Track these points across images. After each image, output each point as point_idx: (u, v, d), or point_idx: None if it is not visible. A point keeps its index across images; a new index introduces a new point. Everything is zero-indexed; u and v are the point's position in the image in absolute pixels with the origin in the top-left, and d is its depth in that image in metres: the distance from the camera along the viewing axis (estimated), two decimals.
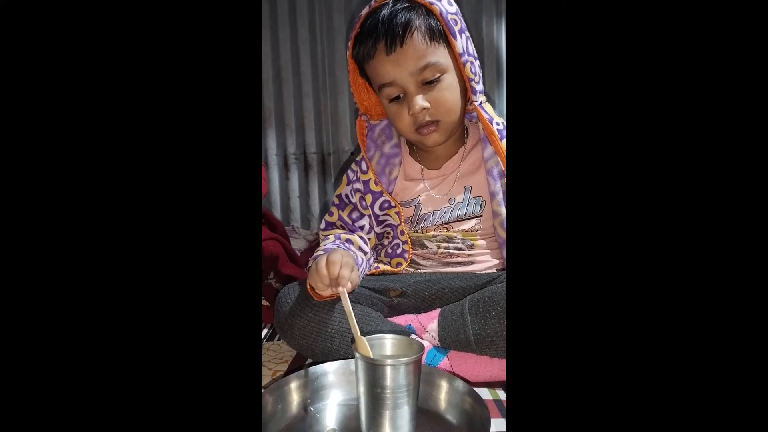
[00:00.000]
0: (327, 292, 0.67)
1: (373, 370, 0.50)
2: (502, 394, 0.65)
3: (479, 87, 0.82)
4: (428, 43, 0.76)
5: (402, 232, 0.87)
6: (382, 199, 0.87)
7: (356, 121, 0.91)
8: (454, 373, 0.64)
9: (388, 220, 0.89)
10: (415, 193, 0.87)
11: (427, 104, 0.77)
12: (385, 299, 0.82)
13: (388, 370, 0.49)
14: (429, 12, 0.76)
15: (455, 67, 0.80)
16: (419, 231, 0.87)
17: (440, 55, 0.78)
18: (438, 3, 0.77)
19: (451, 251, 0.86)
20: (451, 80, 0.79)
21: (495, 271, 0.86)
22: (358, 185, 0.90)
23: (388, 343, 0.56)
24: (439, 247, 0.86)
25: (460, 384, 0.57)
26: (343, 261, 0.66)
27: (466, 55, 0.79)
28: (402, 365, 0.50)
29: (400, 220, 0.87)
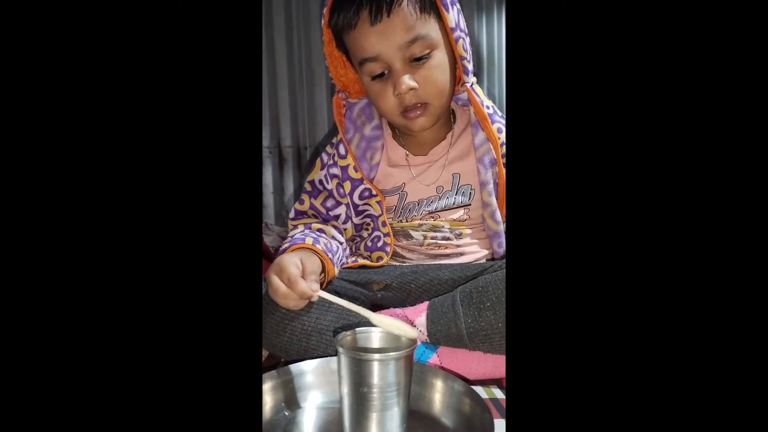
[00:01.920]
0: (294, 304, 0.60)
1: (359, 366, 0.43)
2: (498, 393, 0.59)
3: (470, 66, 0.74)
4: (418, 14, 0.67)
5: (383, 224, 0.80)
6: (362, 187, 0.79)
7: (333, 99, 0.82)
8: (447, 371, 0.58)
9: (368, 210, 0.81)
10: (400, 180, 0.80)
11: (414, 84, 0.68)
12: (368, 293, 0.75)
13: (376, 366, 0.43)
14: None
15: (446, 44, 0.71)
16: (403, 221, 0.81)
17: (431, 29, 0.68)
18: None
19: (439, 241, 0.80)
20: (441, 58, 0.70)
21: (485, 261, 0.80)
22: (335, 170, 0.81)
23: (375, 336, 0.49)
24: (425, 237, 0.80)
25: (456, 383, 0.50)
26: (291, 270, 0.58)
27: (458, 30, 0.70)
28: (392, 360, 0.43)
29: (382, 210, 0.79)
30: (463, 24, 0.73)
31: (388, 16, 0.66)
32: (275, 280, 0.59)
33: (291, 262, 0.60)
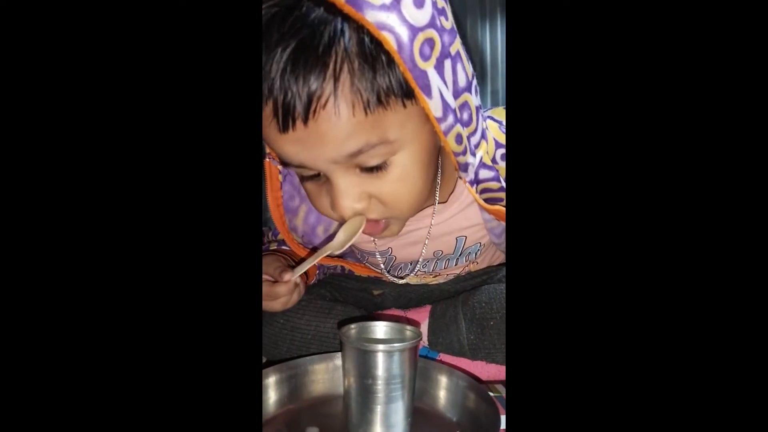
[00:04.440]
0: (282, 301, 0.56)
1: (363, 357, 0.43)
2: (501, 389, 0.58)
3: (471, 159, 0.47)
4: (365, 113, 0.39)
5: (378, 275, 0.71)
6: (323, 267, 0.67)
7: (264, 164, 0.56)
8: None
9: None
10: (380, 243, 0.64)
11: (361, 204, 0.45)
12: (367, 296, 0.74)
13: (381, 358, 0.42)
14: (372, 38, 0.37)
15: (428, 135, 0.45)
16: (396, 276, 0.70)
17: (391, 126, 0.41)
18: (392, 19, 0.36)
19: (441, 282, 0.74)
20: (407, 161, 0.44)
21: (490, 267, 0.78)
22: (272, 249, 0.67)
23: (380, 329, 0.49)
24: (427, 284, 0.74)
25: (461, 378, 0.50)
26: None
27: (450, 115, 0.41)
28: (396, 352, 0.42)
29: (364, 270, 0.69)
30: (464, 83, 0.44)
31: (305, 124, 0.38)
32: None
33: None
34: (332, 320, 0.61)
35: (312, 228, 0.61)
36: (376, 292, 0.74)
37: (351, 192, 0.44)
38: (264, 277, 0.56)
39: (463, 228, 0.61)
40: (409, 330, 0.47)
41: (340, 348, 0.46)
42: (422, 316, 0.64)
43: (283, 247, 0.67)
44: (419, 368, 0.49)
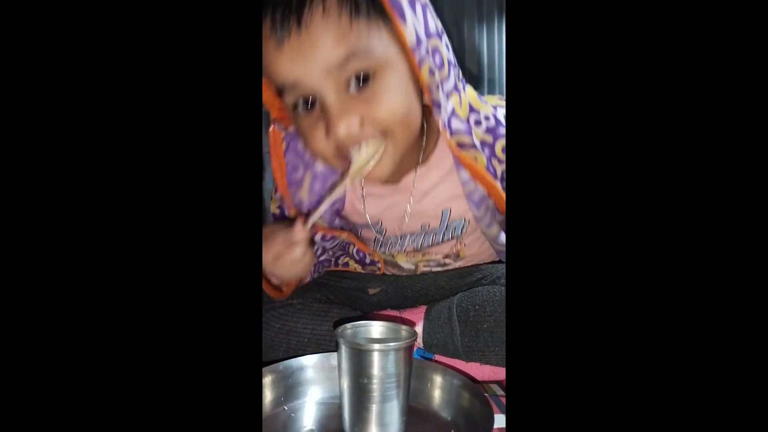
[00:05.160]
0: (300, 250, 0.54)
1: (359, 356, 0.43)
2: (499, 391, 0.58)
3: (445, 100, 0.52)
4: (350, 20, 0.45)
5: (363, 252, 0.72)
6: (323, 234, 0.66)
7: (269, 133, 0.60)
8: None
9: (338, 241, 0.70)
10: (372, 214, 0.67)
11: (355, 125, 0.49)
12: (363, 296, 0.74)
13: (376, 357, 0.43)
14: None
15: (408, 68, 0.50)
16: (388, 255, 0.72)
17: (375, 43, 0.47)
18: None
19: (434, 269, 0.74)
20: (394, 83, 0.49)
21: (485, 264, 0.79)
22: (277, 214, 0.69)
23: (375, 328, 0.49)
24: (417, 266, 0.74)
25: (456, 377, 0.50)
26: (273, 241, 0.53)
27: (422, 49, 0.47)
28: (392, 351, 0.43)
29: (357, 243, 0.70)
30: (435, 29, 0.50)
31: (298, 27, 0.45)
32: (269, 252, 0.54)
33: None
34: (328, 323, 0.61)
35: (318, 196, 0.62)
36: (372, 291, 0.74)
37: (344, 112, 0.48)
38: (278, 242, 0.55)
39: (447, 199, 0.64)
40: (404, 329, 0.48)
41: (336, 349, 0.47)
42: (417, 317, 0.64)
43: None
44: (414, 368, 0.49)
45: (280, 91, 0.51)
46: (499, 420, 0.50)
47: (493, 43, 1.95)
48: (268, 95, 0.55)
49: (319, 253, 0.70)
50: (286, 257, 0.54)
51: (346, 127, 0.48)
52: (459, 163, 0.57)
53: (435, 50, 0.50)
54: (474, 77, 1.92)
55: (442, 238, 0.68)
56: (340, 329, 0.47)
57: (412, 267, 0.74)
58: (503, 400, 0.56)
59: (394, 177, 0.63)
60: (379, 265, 0.75)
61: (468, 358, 0.59)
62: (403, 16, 0.46)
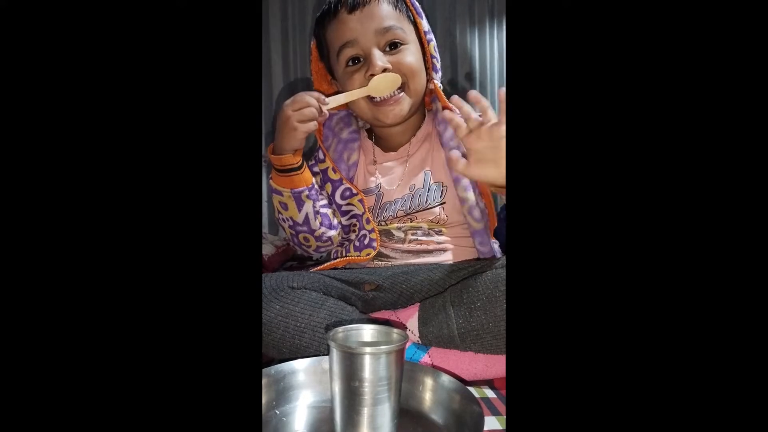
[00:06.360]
0: (311, 111, 0.70)
1: (350, 360, 0.43)
2: (490, 393, 0.59)
3: (439, 65, 0.83)
4: (394, 8, 0.77)
5: (368, 221, 0.82)
6: (342, 187, 0.83)
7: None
8: (438, 368, 0.58)
9: (352, 210, 0.84)
10: (376, 180, 0.85)
11: (388, 64, 0.75)
12: (359, 293, 0.75)
13: (367, 360, 0.43)
14: None
15: (419, 45, 0.80)
16: (383, 223, 0.83)
17: (404, 25, 0.77)
18: None
19: (420, 237, 0.81)
20: (415, 50, 0.78)
21: (473, 260, 0.80)
22: (316, 169, 0.86)
23: (367, 332, 0.49)
24: (406, 234, 0.82)
25: (446, 379, 0.51)
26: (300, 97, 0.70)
27: (430, 34, 0.81)
28: (383, 354, 0.43)
29: (365, 208, 0.82)
30: (426, 30, 0.81)
31: (366, 5, 0.76)
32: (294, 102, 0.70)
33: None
34: (325, 312, 0.64)
35: (339, 155, 0.85)
36: (367, 288, 0.75)
37: (381, 58, 0.75)
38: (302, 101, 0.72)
39: (428, 163, 0.84)
40: (395, 333, 0.48)
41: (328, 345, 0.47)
42: (412, 311, 0.67)
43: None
44: (405, 371, 0.50)
45: (338, 53, 0.77)
46: (490, 422, 0.50)
47: (485, 48, 1.96)
48: (321, 85, 0.88)
49: (336, 223, 0.84)
50: (306, 111, 0.70)
51: (380, 64, 0.74)
52: (444, 120, 0.78)
53: (431, 39, 0.82)
54: (466, 81, 1.93)
55: (426, 201, 0.82)
56: (331, 333, 0.47)
57: (402, 236, 0.83)
58: (494, 402, 0.57)
59: (395, 148, 0.85)
60: (375, 244, 0.82)
61: (463, 343, 0.61)
62: (420, 15, 0.80)
